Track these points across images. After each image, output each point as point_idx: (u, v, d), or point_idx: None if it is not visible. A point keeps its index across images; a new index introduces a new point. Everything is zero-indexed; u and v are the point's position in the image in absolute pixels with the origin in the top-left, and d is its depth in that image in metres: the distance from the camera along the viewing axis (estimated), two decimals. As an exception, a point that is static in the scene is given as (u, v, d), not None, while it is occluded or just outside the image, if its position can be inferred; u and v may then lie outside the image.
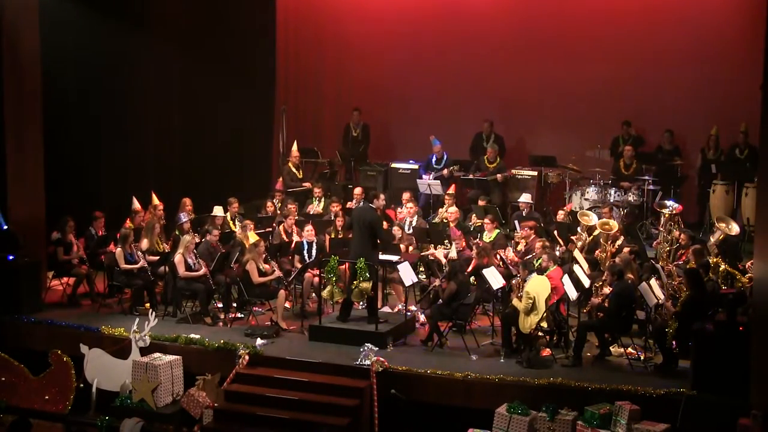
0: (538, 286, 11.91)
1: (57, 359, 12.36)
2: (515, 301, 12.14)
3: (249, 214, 15.92)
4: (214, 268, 13.53)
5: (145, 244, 14.22)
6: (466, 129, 18.33)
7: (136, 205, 15.08)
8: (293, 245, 14.32)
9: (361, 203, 14.15)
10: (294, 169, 17.54)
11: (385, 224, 14.71)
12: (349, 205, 16.20)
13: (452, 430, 10.99)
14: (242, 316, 13.59)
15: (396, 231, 14.21)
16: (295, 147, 17.71)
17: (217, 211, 15.13)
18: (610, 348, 12.17)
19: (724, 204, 16.26)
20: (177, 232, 14.65)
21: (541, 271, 12.40)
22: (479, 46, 18.61)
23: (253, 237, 14.18)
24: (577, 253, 13.54)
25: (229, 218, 15.48)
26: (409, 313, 13.18)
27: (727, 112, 17.25)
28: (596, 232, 14.27)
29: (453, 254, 13.63)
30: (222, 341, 12.33)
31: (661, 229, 14.20)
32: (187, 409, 11.62)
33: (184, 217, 14.86)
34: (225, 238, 14.53)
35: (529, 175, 17.53)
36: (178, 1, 17.48)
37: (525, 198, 15.84)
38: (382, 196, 15.75)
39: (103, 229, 14.67)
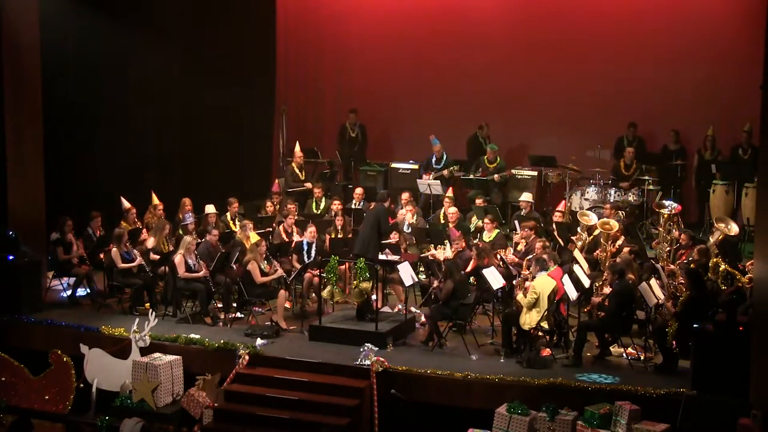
0: (544, 284, 11.91)
1: (57, 359, 12.37)
2: (519, 296, 12.15)
3: (249, 214, 15.93)
4: (214, 268, 13.53)
5: (151, 242, 14.25)
6: (466, 129, 18.34)
7: (126, 204, 15.07)
8: (293, 245, 14.32)
9: (373, 204, 14.17)
10: (297, 170, 17.52)
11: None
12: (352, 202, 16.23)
13: (452, 430, 10.99)
14: (242, 316, 13.59)
15: (394, 236, 14.20)
16: (297, 148, 17.71)
17: (209, 209, 15.12)
18: (610, 348, 12.17)
19: (724, 204, 16.27)
20: (181, 232, 14.66)
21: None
22: (480, 46, 18.61)
23: (254, 237, 14.19)
24: (577, 253, 13.54)
25: (229, 218, 15.49)
26: (409, 314, 13.18)
27: (728, 112, 17.26)
28: (596, 232, 14.27)
29: (448, 253, 13.64)
30: (222, 341, 12.33)
31: (661, 229, 14.21)
32: (187, 409, 11.63)
33: (189, 218, 14.88)
34: (225, 238, 14.54)
35: (529, 175, 17.55)
36: (178, 1, 17.48)
37: (526, 197, 15.84)
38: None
39: (101, 228, 14.68)
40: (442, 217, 15.60)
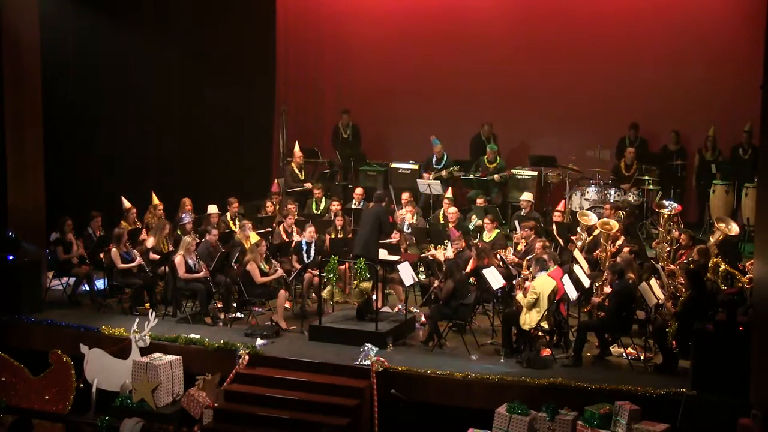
0: (544, 284, 11.91)
1: (57, 359, 12.36)
2: (519, 296, 12.14)
3: (249, 214, 15.93)
4: (214, 268, 13.53)
5: (151, 242, 14.25)
6: (466, 129, 18.33)
7: (127, 204, 15.09)
8: (293, 245, 14.32)
9: (372, 204, 14.13)
10: (297, 170, 17.52)
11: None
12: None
13: (452, 430, 10.98)
14: (242, 316, 13.59)
15: (395, 235, 14.20)
16: (297, 147, 17.71)
17: (212, 209, 15.13)
18: (610, 348, 12.17)
19: (724, 204, 16.26)
20: (179, 232, 14.67)
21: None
22: (480, 46, 18.61)
23: (254, 237, 14.19)
24: (577, 253, 13.54)
25: (229, 218, 15.49)
26: (409, 314, 13.18)
27: (728, 112, 17.26)
28: (596, 232, 14.27)
29: (449, 253, 13.65)
30: (222, 341, 12.33)
31: (661, 229, 14.21)
32: (187, 409, 11.63)
33: (186, 218, 14.88)
34: (225, 238, 14.54)
35: (529, 175, 17.54)
36: (178, 1, 17.49)
37: (526, 197, 15.85)
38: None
39: (101, 228, 14.68)
40: (441, 217, 15.60)
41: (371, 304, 12.90)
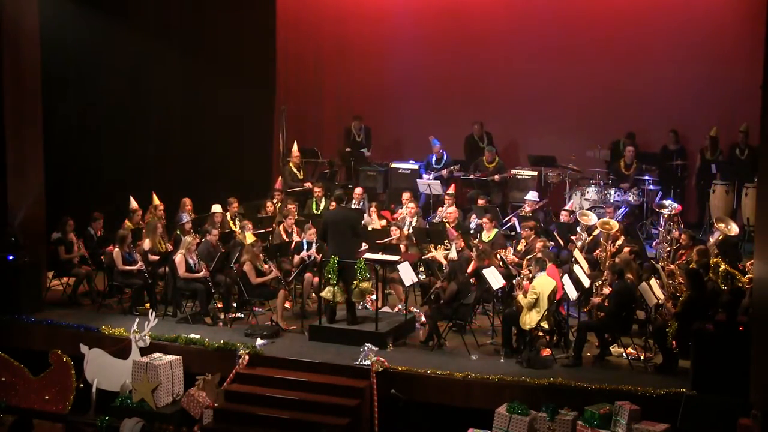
0: (544, 284, 11.90)
1: (57, 359, 12.36)
2: (519, 296, 12.14)
3: (249, 214, 15.93)
4: (214, 268, 13.53)
5: (147, 244, 14.23)
6: (466, 129, 18.33)
7: (134, 204, 15.09)
8: (293, 245, 14.32)
9: (333, 205, 13.94)
10: (295, 170, 17.54)
11: (380, 224, 14.80)
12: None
13: (452, 430, 10.99)
14: (242, 316, 13.59)
15: (394, 231, 14.20)
16: (295, 147, 17.72)
17: (216, 208, 15.14)
18: (610, 348, 12.17)
19: (724, 204, 16.27)
20: (178, 232, 14.67)
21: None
22: (479, 46, 18.62)
23: (249, 237, 14.19)
24: (577, 253, 13.53)
25: (229, 218, 15.49)
26: (409, 314, 13.18)
27: (728, 112, 17.26)
28: (596, 232, 14.28)
29: (453, 255, 13.63)
30: (222, 341, 12.33)
31: (661, 229, 14.20)
32: (187, 409, 11.63)
33: (185, 218, 14.88)
34: (225, 238, 14.54)
35: (529, 175, 17.54)
36: (178, 2, 17.48)
37: (532, 196, 15.86)
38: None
39: (102, 229, 14.68)
40: (441, 216, 15.59)
41: (335, 311, 12.82)
